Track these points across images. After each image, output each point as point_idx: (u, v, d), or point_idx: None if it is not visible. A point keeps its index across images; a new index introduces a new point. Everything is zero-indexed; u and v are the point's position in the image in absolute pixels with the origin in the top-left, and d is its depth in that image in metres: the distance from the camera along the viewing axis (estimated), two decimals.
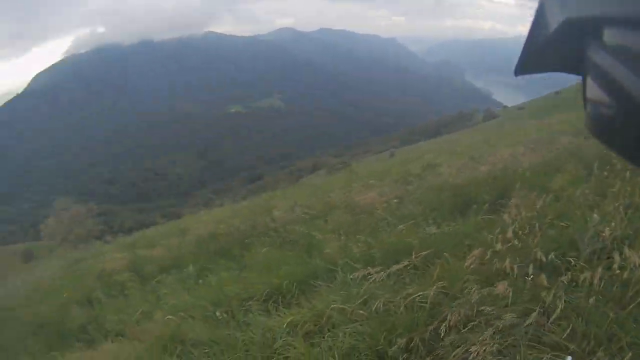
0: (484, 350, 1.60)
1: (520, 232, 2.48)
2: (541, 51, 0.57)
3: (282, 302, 2.92)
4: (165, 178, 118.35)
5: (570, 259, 2.08)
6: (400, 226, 3.29)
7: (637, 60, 0.39)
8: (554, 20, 0.52)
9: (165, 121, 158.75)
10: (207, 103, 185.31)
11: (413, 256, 2.53)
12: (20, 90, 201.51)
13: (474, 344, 1.66)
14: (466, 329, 1.79)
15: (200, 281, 4.01)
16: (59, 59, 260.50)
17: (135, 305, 4.09)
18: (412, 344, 1.85)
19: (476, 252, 2.28)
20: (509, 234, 2.41)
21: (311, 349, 2.12)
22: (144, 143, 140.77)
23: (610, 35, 0.43)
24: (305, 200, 6.15)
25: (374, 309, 2.10)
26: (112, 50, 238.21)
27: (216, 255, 4.83)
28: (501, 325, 1.70)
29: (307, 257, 3.42)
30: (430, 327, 1.88)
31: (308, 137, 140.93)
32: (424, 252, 2.48)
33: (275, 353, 2.21)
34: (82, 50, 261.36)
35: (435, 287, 2.07)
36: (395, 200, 4.24)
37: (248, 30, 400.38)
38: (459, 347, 1.73)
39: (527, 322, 1.66)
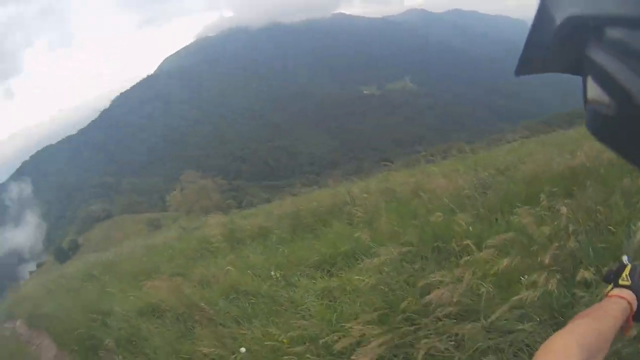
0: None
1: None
2: (542, 52, 0.88)
3: (328, 270, 5.68)
4: (296, 157, 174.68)
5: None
6: (438, 214, 5.48)
7: (637, 60, 0.63)
8: (555, 21, 0.81)
9: (297, 101, 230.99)
10: (339, 84, 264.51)
11: (453, 243, 4.64)
12: (151, 72, 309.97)
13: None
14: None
15: (280, 248, 7.28)
16: (189, 42, 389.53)
17: (217, 263, 7.77)
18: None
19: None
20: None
21: (325, 310, 4.49)
22: (275, 122, 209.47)
23: (610, 35, 0.68)
24: (398, 185, 9.03)
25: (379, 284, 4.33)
26: (241, 33, 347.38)
27: (298, 228, 8.26)
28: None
29: (361, 234, 5.93)
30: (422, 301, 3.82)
31: (440, 121, 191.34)
32: (465, 241, 4.42)
33: (300, 309, 4.73)
34: (211, 34, 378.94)
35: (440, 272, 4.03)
36: (466, 191, 6.46)
37: (377, 12, 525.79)
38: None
39: None
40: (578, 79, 0.85)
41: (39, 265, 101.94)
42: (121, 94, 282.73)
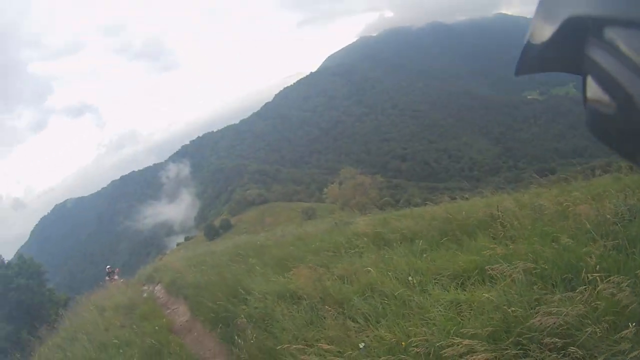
0: None
1: None
2: (542, 51, 0.95)
3: (462, 283, 6.18)
4: (458, 160, 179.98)
5: None
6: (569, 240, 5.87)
7: (637, 60, 0.68)
8: (555, 21, 0.87)
9: (458, 103, 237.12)
10: (502, 87, 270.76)
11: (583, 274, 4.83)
12: (314, 69, 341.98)
13: None
14: None
15: (424, 255, 7.82)
16: (352, 41, 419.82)
17: (362, 261, 8.62)
18: None
19: None
20: None
21: (447, 321, 5.05)
22: (437, 123, 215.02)
23: (610, 35, 0.73)
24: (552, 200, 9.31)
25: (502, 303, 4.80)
26: (402, 33, 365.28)
27: (445, 237, 8.73)
28: None
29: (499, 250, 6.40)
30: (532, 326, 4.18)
31: None
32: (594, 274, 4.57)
33: (427, 317, 5.29)
34: (373, 33, 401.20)
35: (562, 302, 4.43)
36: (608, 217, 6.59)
37: None
38: None
39: None
40: None
41: (187, 239, 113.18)
42: (285, 88, 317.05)
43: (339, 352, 5.46)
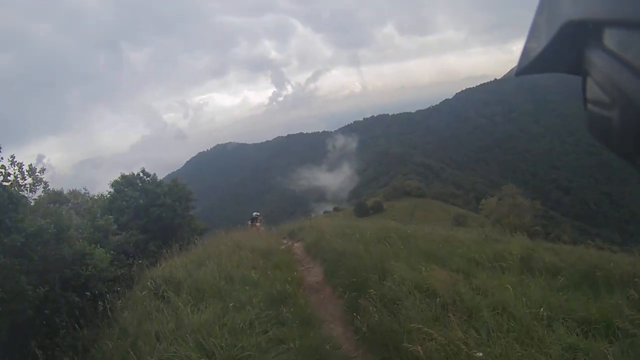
0: None
1: None
2: (542, 52, 0.98)
3: (587, 330, 6.35)
4: (619, 209, 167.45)
5: None
6: None
7: (637, 61, 0.69)
8: (555, 22, 0.90)
9: None
10: None
11: None
12: (499, 77, 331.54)
13: None
14: None
15: (560, 292, 7.89)
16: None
17: (502, 278, 9.02)
18: None
19: None
20: None
21: None
22: (609, 163, 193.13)
23: (610, 37, 0.76)
24: None
25: None
26: None
27: (586, 281, 9.09)
28: None
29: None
30: None
31: None
32: None
33: (544, 350, 5.72)
34: None
35: None
36: None
37: None
38: None
39: None
40: None
41: (335, 209, 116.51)
42: (467, 88, 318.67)
43: (455, 354, 5.76)
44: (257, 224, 25.24)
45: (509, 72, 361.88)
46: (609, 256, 11.78)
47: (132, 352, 7.59)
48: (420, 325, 6.81)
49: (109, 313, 10.13)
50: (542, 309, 6.79)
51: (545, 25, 0.97)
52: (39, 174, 12.72)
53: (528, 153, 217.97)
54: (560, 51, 0.96)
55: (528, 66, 1.09)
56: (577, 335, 6.11)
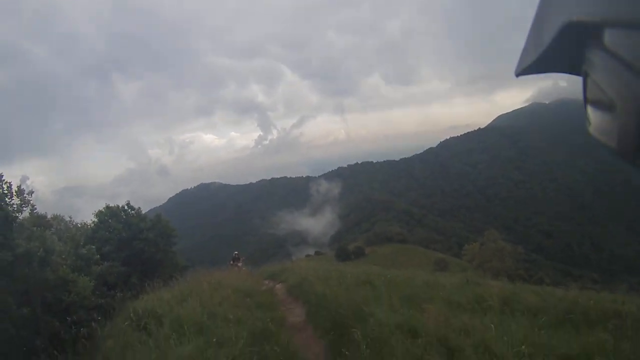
0: None
1: None
2: (542, 52, 0.98)
3: None
4: (601, 250, 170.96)
5: None
6: None
7: (637, 61, 0.70)
8: (555, 22, 0.90)
9: (617, 190, 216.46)
10: None
11: None
12: (482, 126, 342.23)
13: None
14: None
15: (542, 331, 7.83)
16: (522, 105, 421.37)
17: (483, 319, 9.15)
18: None
19: None
20: None
21: None
22: (590, 205, 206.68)
23: (610, 37, 0.77)
24: None
25: None
26: (573, 104, 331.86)
27: (566, 320, 9.23)
28: None
29: None
30: None
31: None
32: None
33: None
34: (545, 101, 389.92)
35: None
36: None
37: None
38: None
39: None
40: None
41: (317, 253, 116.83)
42: (451, 137, 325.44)
43: None
44: (239, 264, 25.17)
45: (492, 121, 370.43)
46: (590, 295, 12.02)
47: None
48: None
49: (92, 341, 10.05)
50: (523, 347, 6.92)
51: (546, 26, 0.98)
52: (27, 195, 12.76)
53: (510, 199, 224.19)
54: (560, 51, 0.97)
55: (528, 66, 1.11)
56: None
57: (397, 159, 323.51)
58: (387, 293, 12.18)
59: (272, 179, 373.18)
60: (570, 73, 1.03)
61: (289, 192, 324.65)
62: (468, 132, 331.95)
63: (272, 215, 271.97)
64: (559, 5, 0.93)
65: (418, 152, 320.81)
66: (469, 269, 43.94)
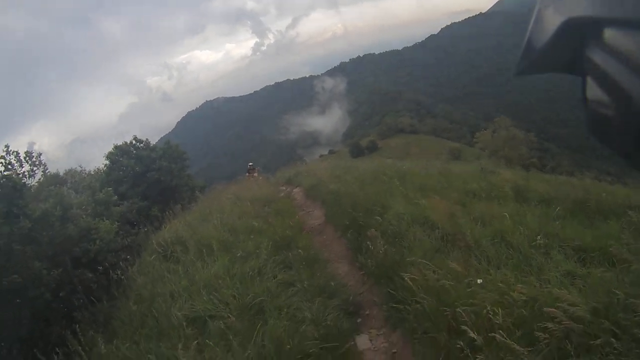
0: None
1: None
2: (541, 52, 0.99)
3: (584, 258, 6.57)
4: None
5: None
6: None
7: (637, 60, 0.69)
8: (554, 21, 0.91)
9: None
10: None
11: None
12: (483, 11, 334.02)
13: None
14: None
15: (557, 221, 8.20)
16: None
17: (498, 209, 9.17)
18: None
19: None
20: None
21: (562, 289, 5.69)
22: None
23: (610, 36, 0.76)
24: None
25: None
26: None
27: (580, 212, 9.21)
28: None
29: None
30: None
31: None
32: None
33: (543, 277, 6.03)
34: None
35: None
36: None
37: None
38: None
39: None
40: None
41: (331, 152, 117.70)
42: (452, 23, 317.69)
43: (456, 280, 6.04)
44: (255, 174, 25.38)
45: (493, 5, 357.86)
46: (603, 187, 11.98)
47: (150, 315, 7.89)
48: (422, 255, 7.19)
49: (124, 281, 10.35)
50: (539, 237, 6.95)
51: (545, 24, 0.99)
52: (35, 159, 12.89)
53: (523, 86, 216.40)
54: (560, 50, 0.97)
55: (528, 66, 1.12)
56: (574, 262, 6.26)
57: (399, 48, 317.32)
58: (401, 185, 12.25)
59: (276, 83, 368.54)
60: (570, 73, 1.02)
61: (295, 94, 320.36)
62: (469, 18, 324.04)
63: (281, 120, 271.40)
64: (558, 4, 0.94)
65: (420, 41, 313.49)
66: (482, 157, 43.69)
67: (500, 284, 5.60)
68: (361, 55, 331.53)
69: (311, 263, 9.26)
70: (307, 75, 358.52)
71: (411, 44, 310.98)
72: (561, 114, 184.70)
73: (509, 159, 36.69)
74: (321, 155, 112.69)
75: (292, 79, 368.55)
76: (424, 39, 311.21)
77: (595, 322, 4.42)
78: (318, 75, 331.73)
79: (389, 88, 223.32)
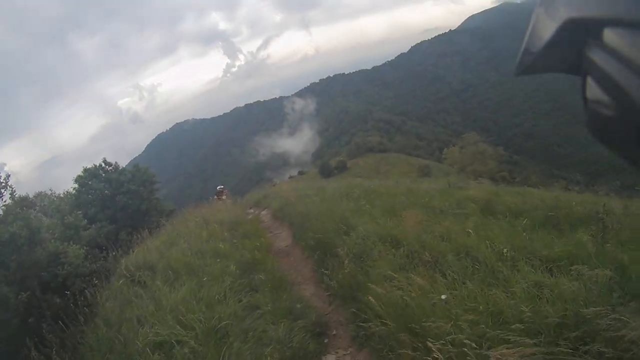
0: None
1: None
2: (541, 52, 0.99)
3: (551, 267, 6.60)
4: (584, 150, 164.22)
5: None
6: None
7: (637, 60, 0.70)
8: (554, 21, 0.91)
9: None
10: None
11: None
12: (453, 28, 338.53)
13: None
14: None
15: (524, 233, 8.24)
16: (492, 5, 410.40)
17: (464, 224, 9.25)
18: None
19: None
20: None
21: (524, 301, 5.62)
22: (571, 104, 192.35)
23: (610, 36, 0.76)
24: None
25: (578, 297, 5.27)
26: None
27: (548, 222, 9.35)
28: None
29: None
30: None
31: None
32: None
33: (509, 290, 5.93)
34: (517, 0, 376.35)
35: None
36: None
37: None
38: None
39: None
40: None
41: (300, 173, 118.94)
42: (422, 42, 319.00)
43: (421, 296, 6.06)
44: (223, 197, 25.36)
45: (463, 22, 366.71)
46: (572, 197, 12.19)
47: (117, 340, 7.82)
48: (387, 274, 7.21)
49: (92, 307, 10.25)
50: (505, 250, 7.03)
51: (545, 24, 1.00)
52: (3, 181, 12.70)
53: (488, 101, 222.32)
54: (559, 50, 0.98)
55: (528, 66, 1.13)
56: (542, 272, 6.33)
57: (368, 67, 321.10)
58: (368, 204, 12.47)
59: (246, 105, 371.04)
60: (570, 72, 1.02)
61: (265, 115, 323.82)
62: (439, 35, 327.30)
63: (251, 142, 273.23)
64: (558, 3, 0.95)
65: (390, 59, 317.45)
66: (451, 173, 44.28)
67: (465, 299, 5.63)
68: (331, 76, 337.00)
69: (277, 285, 9.31)
70: (277, 97, 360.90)
71: (381, 63, 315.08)
72: (529, 127, 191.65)
73: (478, 174, 37.35)
74: (291, 177, 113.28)
75: (262, 100, 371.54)
76: (393, 58, 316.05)
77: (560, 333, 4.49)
78: (288, 96, 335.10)
79: (359, 107, 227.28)
